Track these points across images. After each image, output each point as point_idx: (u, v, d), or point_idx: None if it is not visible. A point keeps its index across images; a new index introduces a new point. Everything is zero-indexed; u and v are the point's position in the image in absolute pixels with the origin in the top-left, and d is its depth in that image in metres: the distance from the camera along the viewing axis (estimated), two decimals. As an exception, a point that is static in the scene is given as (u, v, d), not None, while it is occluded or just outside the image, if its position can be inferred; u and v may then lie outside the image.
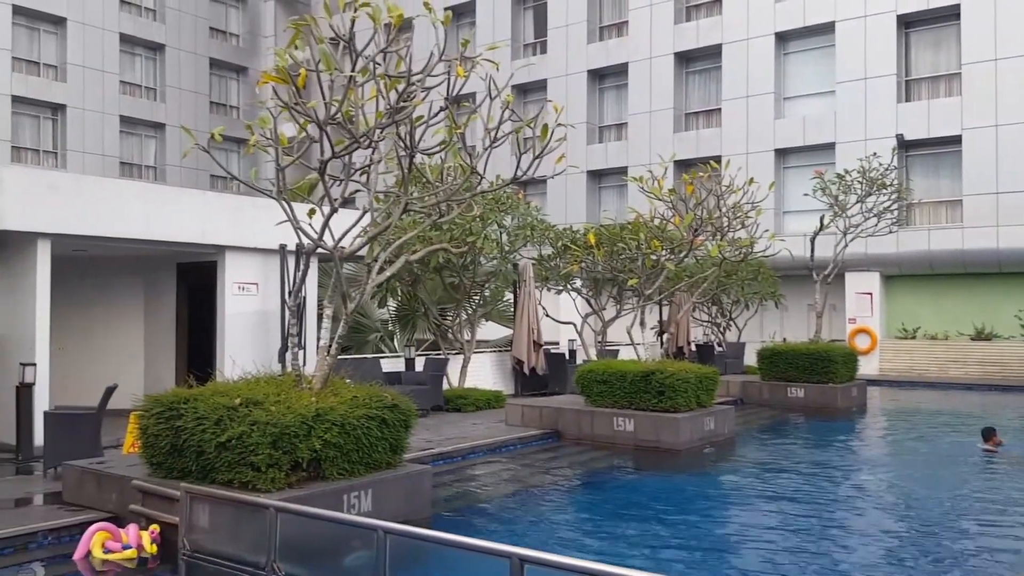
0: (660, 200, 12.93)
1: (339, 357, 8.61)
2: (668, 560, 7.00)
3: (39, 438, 10.01)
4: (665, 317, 21.21)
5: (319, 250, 8.20)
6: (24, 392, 10.19)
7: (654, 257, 13.55)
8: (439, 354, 16.65)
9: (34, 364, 10.35)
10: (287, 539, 6.23)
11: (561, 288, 18.21)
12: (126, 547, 6.74)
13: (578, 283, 18.43)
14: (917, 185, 24.28)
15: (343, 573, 6.03)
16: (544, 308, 18.09)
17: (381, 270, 8.74)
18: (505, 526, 8.31)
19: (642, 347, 14.09)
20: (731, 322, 23.59)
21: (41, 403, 10.32)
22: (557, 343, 19.57)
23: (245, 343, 13.08)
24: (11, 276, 11.20)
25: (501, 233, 15.94)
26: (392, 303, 18.18)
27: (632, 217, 15.05)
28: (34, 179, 11.44)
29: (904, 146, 24.16)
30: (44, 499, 8.22)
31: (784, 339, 21.99)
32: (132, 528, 6.87)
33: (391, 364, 15.61)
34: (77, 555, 6.62)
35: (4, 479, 9.19)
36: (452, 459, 11.02)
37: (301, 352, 12.48)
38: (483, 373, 17.37)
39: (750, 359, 21.71)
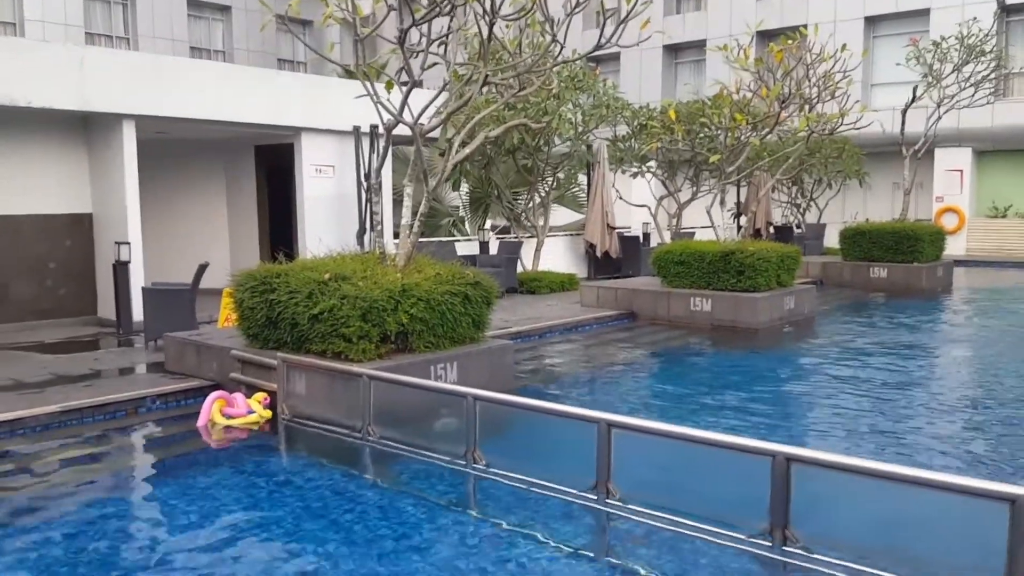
0: (745, 71, 12.32)
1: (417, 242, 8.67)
2: (744, 428, 7.04)
3: (137, 313, 10.51)
4: (743, 198, 20.66)
5: (397, 128, 8.12)
6: (120, 270, 10.64)
7: (736, 133, 13.04)
8: (513, 237, 16.66)
9: (128, 243, 10.76)
10: (380, 405, 6.49)
11: (636, 170, 17.83)
12: (250, 412, 7.07)
13: (653, 164, 17.99)
14: (1018, 53, 22.57)
15: (433, 437, 6.26)
16: (618, 191, 17.79)
17: (460, 148, 8.64)
18: (586, 398, 8.46)
19: (720, 228, 13.80)
20: (812, 202, 22.87)
21: (137, 280, 10.78)
22: (630, 227, 19.35)
23: (323, 225, 13.30)
24: (100, 159, 11.50)
25: (576, 113, 15.55)
26: (465, 187, 18.14)
27: (713, 92, 14.43)
28: (115, 60, 11.54)
29: (1005, 10, 22.31)
30: (147, 368, 8.69)
31: (867, 220, 21.25)
32: (239, 396, 7.22)
33: (465, 248, 15.72)
34: (200, 422, 6.96)
35: (109, 351, 9.74)
36: (529, 338, 11.18)
37: (380, 233, 12.67)
38: (556, 257, 17.37)
39: (830, 241, 21.14)
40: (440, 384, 6.78)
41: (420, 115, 8.11)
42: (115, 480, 6.05)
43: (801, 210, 22.82)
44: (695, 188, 17.61)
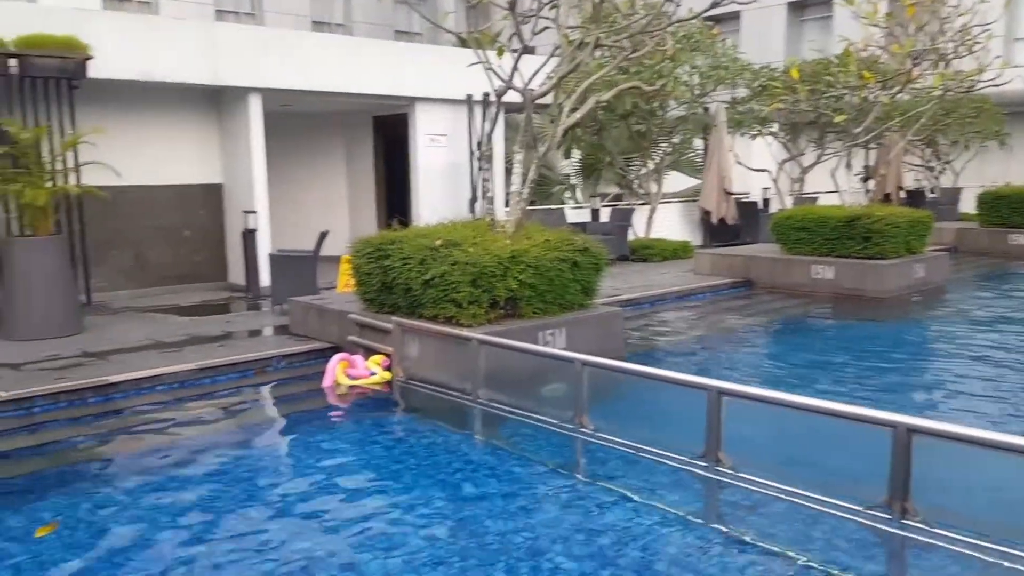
0: (875, 27, 11.61)
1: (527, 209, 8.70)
2: (865, 399, 6.74)
3: (264, 279, 11.07)
4: (872, 162, 19.59)
5: (508, 93, 8.14)
6: (249, 237, 11.21)
7: (864, 92, 12.34)
8: (625, 204, 16.46)
9: (255, 211, 11.31)
10: (489, 369, 6.60)
11: (755, 133, 17.19)
12: (371, 373, 7.34)
13: (775, 127, 17.30)
14: None
15: (540, 401, 6.33)
16: (736, 155, 17.23)
17: (571, 113, 8.58)
18: (697, 366, 8.32)
19: (846, 193, 13.16)
20: (946, 166, 21.44)
21: (264, 247, 11.33)
22: (748, 193, 18.72)
23: (436, 193, 13.54)
24: (230, 131, 12.10)
25: (692, 75, 15.11)
26: (576, 154, 18.00)
27: (840, 49, 13.68)
28: (244, 35, 12.06)
29: None
30: (274, 331, 9.15)
31: (1007, 184, 19.74)
32: (359, 358, 7.50)
33: (575, 215, 15.66)
34: (326, 383, 7.28)
35: (239, 314, 10.31)
36: (640, 305, 11.06)
37: (491, 201, 12.77)
38: (669, 224, 17.05)
39: (966, 206, 19.80)
40: (549, 349, 6.83)
41: (530, 80, 8.11)
42: (244, 433, 6.43)
43: (935, 174, 21.44)
44: (819, 151, 16.82)
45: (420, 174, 13.55)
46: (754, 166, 18.05)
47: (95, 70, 9.88)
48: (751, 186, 18.71)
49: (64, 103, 9.92)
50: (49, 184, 8.87)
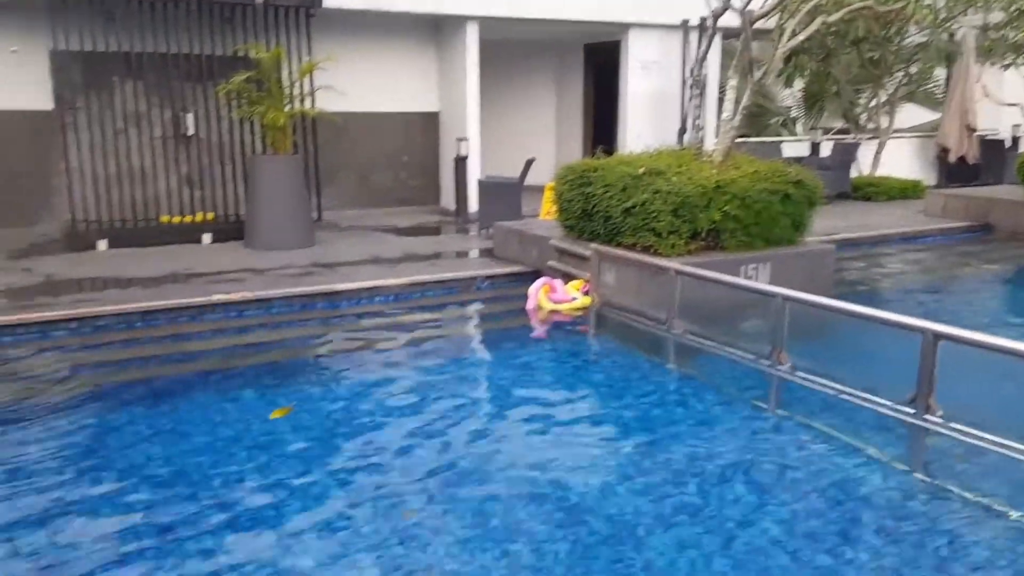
0: None
1: (737, 141, 8.35)
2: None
3: (473, 204, 11.53)
4: None
5: (725, 17, 7.80)
6: (460, 164, 11.69)
7: None
8: (851, 138, 15.31)
9: (467, 139, 11.74)
10: (686, 300, 6.55)
11: (1008, 63, 15.23)
12: (573, 298, 7.52)
13: (1034, 54, 15.22)
14: None
15: (737, 335, 6.20)
16: (984, 88, 15.39)
17: (793, 36, 8.08)
18: (914, 310, 7.73)
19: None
20: None
21: (474, 174, 11.77)
22: (997, 130, 16.72)
23: (644, 123, 13.32)
24: (447, 60, 12.56)
25: (937, -5, 13.59)
26: (799, 83, 16.88)
27: None
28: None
29: None
30: (479, 253, 9.58)
31: None
32: (559, 283, 7.70)
33: (792, 149, 14.79)
34: (529, 305, 7.52)
35: (449, 236, 10.86)
36: (858, 246, 10.37)
37: (701, 131, 12.39)
38: (899, 161, 15.66)
39: None
40: (748, 282, 6.62)
41: (750, 1, 7.70)
42: (448, 344, 6.87)
43: None
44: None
45: (628, 103, 13.37)
46: (1006, 100, 16.05)
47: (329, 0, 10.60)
48: (999, 122, 16.69)
49: (302, 32, 10.73)
50: (288, 107, 9.71)
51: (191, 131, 10.30)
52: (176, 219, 10.13)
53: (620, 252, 7.27)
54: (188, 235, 9.93)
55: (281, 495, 3.96)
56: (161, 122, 10.19)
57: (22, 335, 6.36)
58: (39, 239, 9.89)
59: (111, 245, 9.48)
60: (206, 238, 9.97)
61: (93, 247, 9.41)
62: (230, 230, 10.06)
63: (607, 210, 7.47)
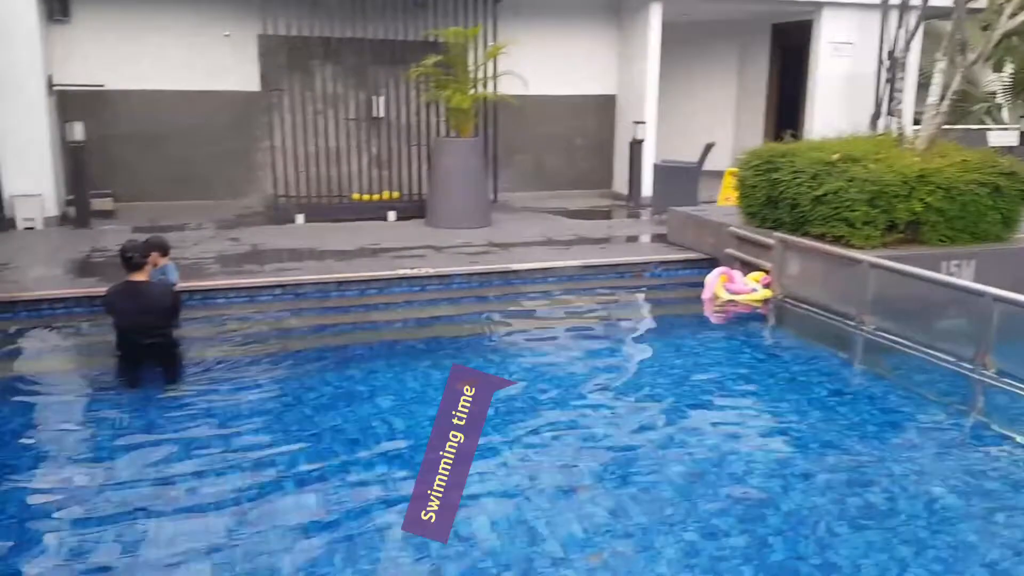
0: None
1: (943, 128, 7.74)
2: None
3: (647, 188, 11.41)
4: None
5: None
6: (635, 148, 11.58)
7: None
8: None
9: (643, 122, 11.61)
10: (878, 295, 6.20)
11: None
12: (752, 290, 7.31)
13: None
14: None
15: (935, 335, 5.80)
16: None
17: (1012, 16, 7.39)
18: None
19: None
20: None
21: (649, 157, 11.64)
22: None
23: (834, 107, 12.61)
24: (628, 43, 12.43)
25: None
26: (1009, 67, 15.40)
27: None
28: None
29: None
30: (652, 238, 9.48)
31: None
32: (738, 273, 7.50)
33: (999, 138, 13.52)
34: (705, 294, 7.38)
35: (621, 220, 10.82)
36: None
37: (899, 117, 11.58)
38: None
39: None
40: (953, 279, 6.15)
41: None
42: (618, 327, 6.87)
43: None
44: None
45: (818, 86, 12.71)
46: None
47: (516, -17, 10.78)
48: None
49: (489, 16, 10.98)
50: (472, 91, 9.99)
51: (381, 114, 10.84)
52: (366, 197, 10.72)
53: (808, 242, 6.97)
54: (375, 212, 10.48)
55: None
56: (355, 104, 10.79)
57: (233, 297, 6.99)
58: (244, 211, 10.76)
59: (307, 219, 10.18)
60: (391, 215, 10.48)
61: (292, 220, 10.14)
62: (413, 208, 10.52)
63: (795, 197, 7.17)
